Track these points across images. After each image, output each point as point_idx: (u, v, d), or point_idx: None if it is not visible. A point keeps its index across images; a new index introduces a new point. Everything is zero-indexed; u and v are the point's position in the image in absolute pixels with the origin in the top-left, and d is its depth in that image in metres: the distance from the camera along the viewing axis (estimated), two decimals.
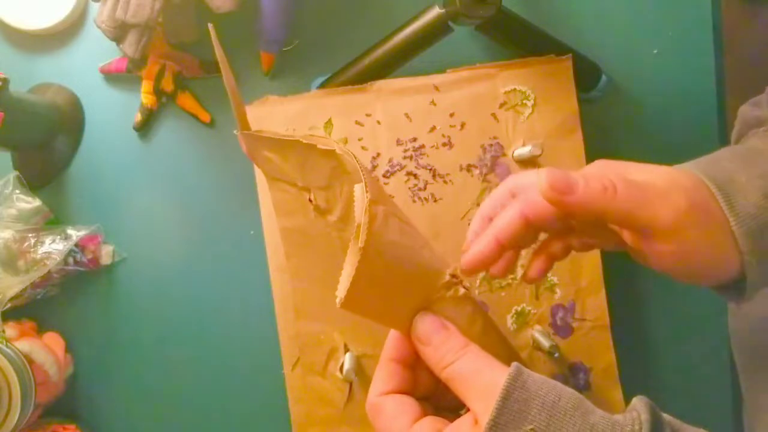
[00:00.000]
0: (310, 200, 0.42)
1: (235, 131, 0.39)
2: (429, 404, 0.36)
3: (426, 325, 0.34)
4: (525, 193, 0.38)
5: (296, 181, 0.42)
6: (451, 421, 0.33)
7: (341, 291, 0.32)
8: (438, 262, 0.35)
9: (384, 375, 0.36)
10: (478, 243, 0.38)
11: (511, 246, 0.38)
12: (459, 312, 0.35)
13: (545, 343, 0.52)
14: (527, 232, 0.37)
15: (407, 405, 0.34)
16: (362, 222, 0.31)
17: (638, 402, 0.32)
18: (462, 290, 0.35)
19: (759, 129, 0.39)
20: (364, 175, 0.33)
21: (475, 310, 0.36)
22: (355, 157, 0.35)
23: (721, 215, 0.33)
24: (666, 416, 0.32)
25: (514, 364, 0.32)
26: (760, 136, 0.39)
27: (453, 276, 0.35)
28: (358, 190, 0.33)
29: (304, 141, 0.37)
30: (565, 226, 0.39)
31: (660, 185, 0.34)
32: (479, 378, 0.32)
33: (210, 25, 0.39)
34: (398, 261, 0.33)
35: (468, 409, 0.33)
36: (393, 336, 0.36)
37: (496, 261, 0.39)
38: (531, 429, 0.30)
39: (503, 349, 0.38)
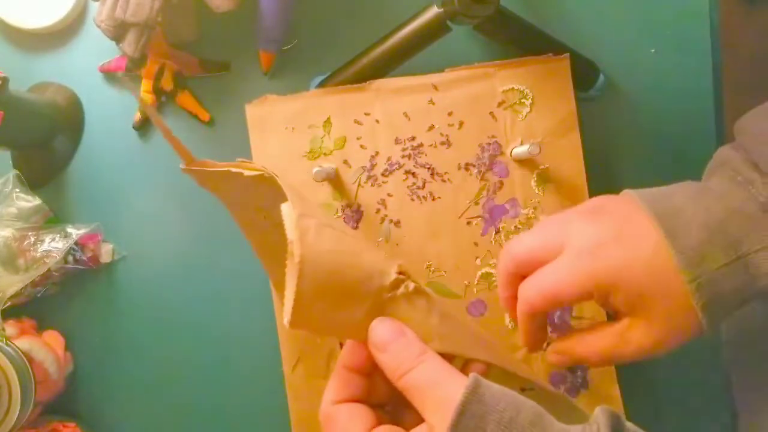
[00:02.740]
0: (264, 218, 0.42)
1: (181, 166, 0.39)
2: (385, 412, 0.36)
3: (383, 331, 0.33)
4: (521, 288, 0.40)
5: (247, 204, 0.43)
6: (407, 430, 0.32)
7: (287, 311, 0.31)
8: (382, 263, 0.34)
9: (338, 383, 0.35)
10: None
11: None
12: (412, 308, 0.34)
13: None
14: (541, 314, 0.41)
15: (361, 414, 0.34)
16: (294, 237, 0.31)
17: (600, 413, 0.31)
18: (411, 285, 0.34)
19: (723, 169, 0.40)
20: (289, 193, 0.33)
21: (429, 302, 0.35)
22: (277, 177, 0.35)
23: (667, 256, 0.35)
24: (630, 426, 0.32)
25: (472, 375, 0.31)
26: (718, 176, 0.39)
27: (400, 273, 0.34)
28: (285, 208, 0.33)
29: (233, 170, 0.37)
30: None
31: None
32: (436, 390, 0.32)
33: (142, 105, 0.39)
34: (339, 268, 0.33)
35: (424, 420, 0.32)
36: (349, 343, 0.36)
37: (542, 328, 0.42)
38: None
39: (463, 337, 0.37)
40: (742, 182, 0.37)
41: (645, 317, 0.36)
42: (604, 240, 0.37)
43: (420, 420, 0.32)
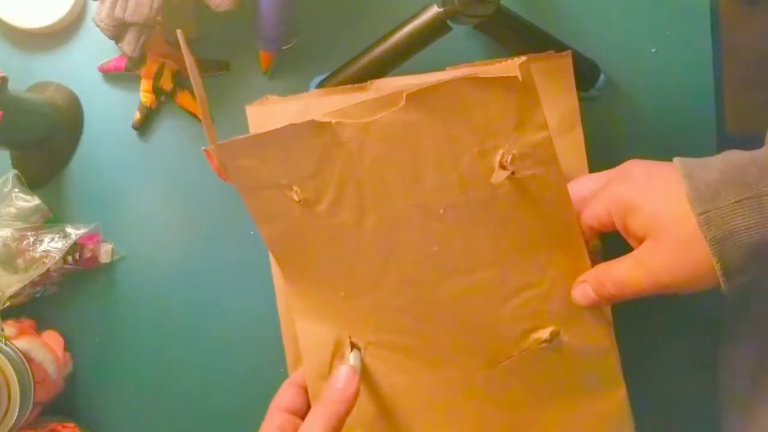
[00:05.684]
0: (294, 197, 0.42)
1: (203, 148, 0.39)
2: None
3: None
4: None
5: (279, 179, 0.42)
6: None
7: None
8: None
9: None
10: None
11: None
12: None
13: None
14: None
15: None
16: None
17: None
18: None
19: None
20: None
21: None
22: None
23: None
24: None
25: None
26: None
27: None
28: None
29: (298, 122, 0.38)
30: None
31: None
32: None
33: (179, 32, 0.39)
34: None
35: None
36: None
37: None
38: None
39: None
40: None
41: (658, 240, 0.38)
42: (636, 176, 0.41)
43: None
